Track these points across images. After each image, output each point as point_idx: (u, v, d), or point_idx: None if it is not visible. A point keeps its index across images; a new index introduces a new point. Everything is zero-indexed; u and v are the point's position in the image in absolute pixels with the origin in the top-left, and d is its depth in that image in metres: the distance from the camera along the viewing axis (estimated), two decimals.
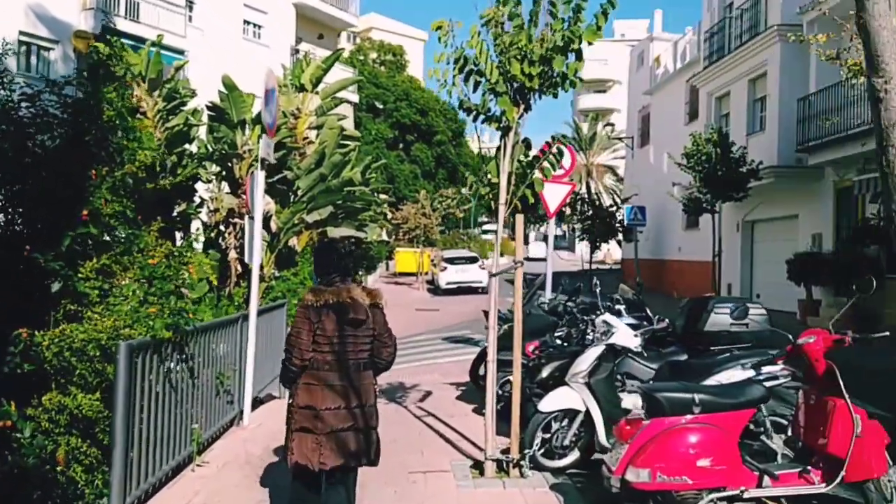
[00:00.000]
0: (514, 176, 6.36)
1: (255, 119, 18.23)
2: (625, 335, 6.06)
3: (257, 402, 9.53)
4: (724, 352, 6.63)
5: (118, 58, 8.03)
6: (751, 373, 5.82)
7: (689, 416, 4.70)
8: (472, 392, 10.06)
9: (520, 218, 6.39)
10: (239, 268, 18.64)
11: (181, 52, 26.24)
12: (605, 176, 52.07)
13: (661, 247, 28.83)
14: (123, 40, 19.05)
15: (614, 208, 29.51)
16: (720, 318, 6.73)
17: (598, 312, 7.66)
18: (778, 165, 18.09)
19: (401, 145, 47.35)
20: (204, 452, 6.49)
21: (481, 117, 6.23)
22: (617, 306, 9.80)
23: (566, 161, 13.16)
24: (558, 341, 8.24)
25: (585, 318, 7.16)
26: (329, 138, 19.44)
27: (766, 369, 5.80)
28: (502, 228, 6.55)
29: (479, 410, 8.66)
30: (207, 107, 17.47)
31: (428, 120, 46.84)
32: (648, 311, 9.86)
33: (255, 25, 29.92)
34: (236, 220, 17.97)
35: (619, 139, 34.36)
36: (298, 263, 19.95)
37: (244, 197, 18.40)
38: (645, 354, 6.55)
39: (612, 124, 32.66)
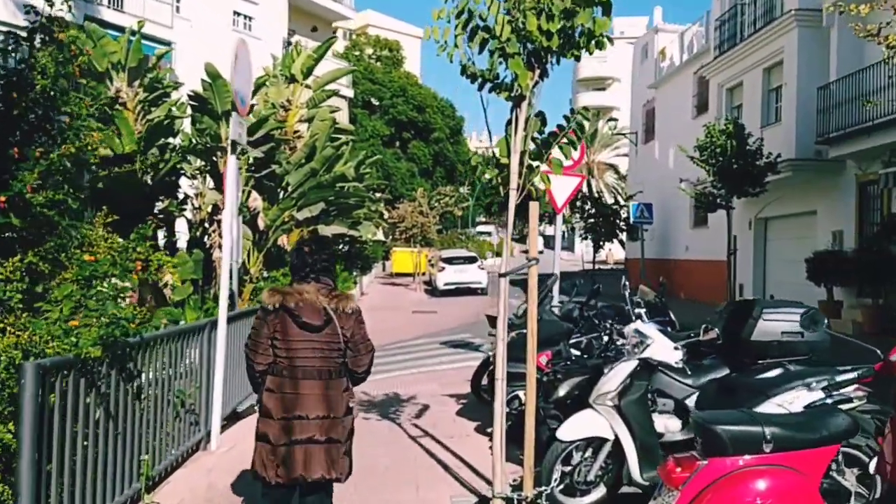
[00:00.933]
0: (528, 156, 5.32)
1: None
2: (663, 348, 5.01)
3: (236, 417, 8.52)
4: (775, 366, 5.59)
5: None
6: (819, 395, 4.78)
7: (757, 456, 3.66)
8: (474, 406, 9.02)
9: (534, 206, 5.37)
10: None
11: (168, 44, 25.20)
12: (606, 174, 50.93)
13: (667, 246, 27.79)
14: (108, 31, 18.08)
15: (618, 206, 28.45)
16: (770, 326, 5.67)
17: (624, 319, 6.62)
18: (796, 158, 17.06)
19: (397, 143, 46.32)
20: (156, 489, 5.44)
21: (488, 85, 5.19)
22: (637, 310, 8.79)
23: (575, 152, 12.13)
24: (575, 352, 7.21)
25: (609, 325, 6.11)
26: (320, 131, 18.39)
27: (838, 390, 4.76)
28: (512, 219, 5.49)
29: (483, 429, 7.62)
30: (189, 96, 16.40)
31: (425, 117, 45.80)
32: (672, 315, 8.85)
33: (245, 17, 28.87)
34: (221, 216, 16.91)
35: (623, 135, 33.33)
36: (288, 263, 18.92)
37: None
38: (683, 369, 5.48)
39: (616, 119, 31.70)
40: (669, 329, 7.84)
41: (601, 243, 29.05)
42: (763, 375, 5.40)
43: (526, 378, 5.44)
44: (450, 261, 29.85)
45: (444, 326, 19.61)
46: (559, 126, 5.53)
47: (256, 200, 17.44)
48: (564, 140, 5.50)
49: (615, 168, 51.11)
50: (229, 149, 6.69)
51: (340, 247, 24.53)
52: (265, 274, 18.70)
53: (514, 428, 6.00)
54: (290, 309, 3.93)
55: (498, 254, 51.29)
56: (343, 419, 4.03)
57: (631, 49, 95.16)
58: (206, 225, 17.13)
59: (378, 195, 26.84)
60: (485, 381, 9.08)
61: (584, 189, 53.80)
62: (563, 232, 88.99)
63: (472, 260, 30.09)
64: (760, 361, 5.67)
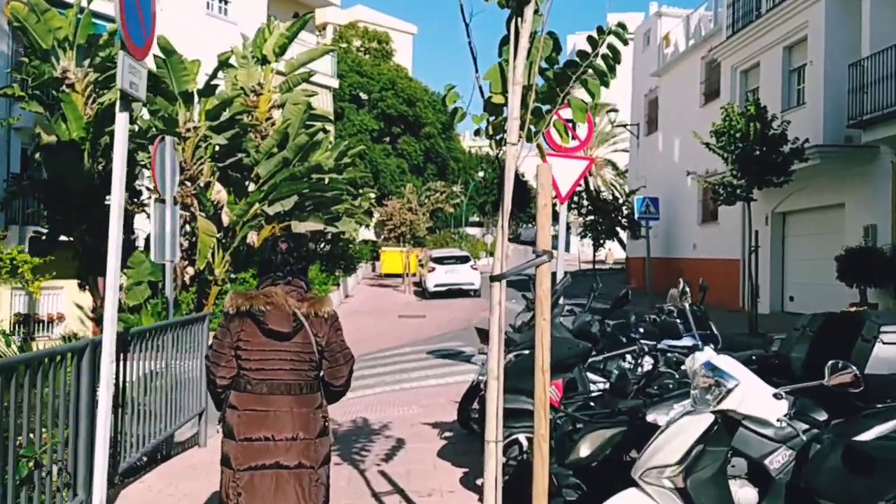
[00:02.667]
0: (534, 95, 3.46)
1: (202, 90, 15.29)
2: (755, 396, 3.14)
3: (167, 455, 6.71)
4: None
5: None
6: None
7: None
8: (461, 442, 7.20)
9: (545, 170, 3.49)
10: (190, 270, 15.72)
11: None
12: (604, 170, 49.15)
13: (673, 244, 25.96)
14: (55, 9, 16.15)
15: (620, 201, 26.61)
16: (894, 352, 3.84)
17: (667, 335, 4.81)
18: (823, 144, 15.25)
19: (387, 138, 44.43)
20: None
21: None
22: (666, 319, 6.99)
23: (582, 130, 10.31)
24: (596, 379, 5.38)
25: (650, 349, 4.26)
26: (293, 116, 16.53)
27: None
28: (509, 198, 3.59)
29: (471, 482, 5.76)
30: None
31: (416, 111, 43.91)
32: (714, 328, 7.05)
33: (221, 0, 26.95)
34: (180, 212, 15.00)
35: (624, 126, 31.50)
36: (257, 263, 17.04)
37: (188, 185, 15.50)
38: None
39: (616, 110, 29.95)
40: (712, 346, 6.04)
41: (601, 242, 27.22)
42: None
43: (529, 417, 3.67)
44: (440, 260, 28.02)
45: (433, 333, 17.75)
46: (581, 53, 3.66)
47: (220, 193, 15.60)
48: (590, 72, 3.60)
49: (613, 164, 49.35)
50: (118, 103, 4.79)
51: (322, 245, 22.61)
52: (232, 275, 16.84)
53: (514, 485, 4.21)
54: (256, 314, 3.41)
55: (492, 253, 49.46)
56: (316, 441, 3.47)
57: (626, 46, 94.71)
58: None
59: (363, 190, 24.92)
60: (475, 405, 7.23)
61: (581, 184, 52.07)
62: (556, 230, 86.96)
63: (464, 259, 28.26)
64: (879, 405, 3.84)
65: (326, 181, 17.54)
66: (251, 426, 3.40)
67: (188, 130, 14.96)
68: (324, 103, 27.31)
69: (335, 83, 30.11)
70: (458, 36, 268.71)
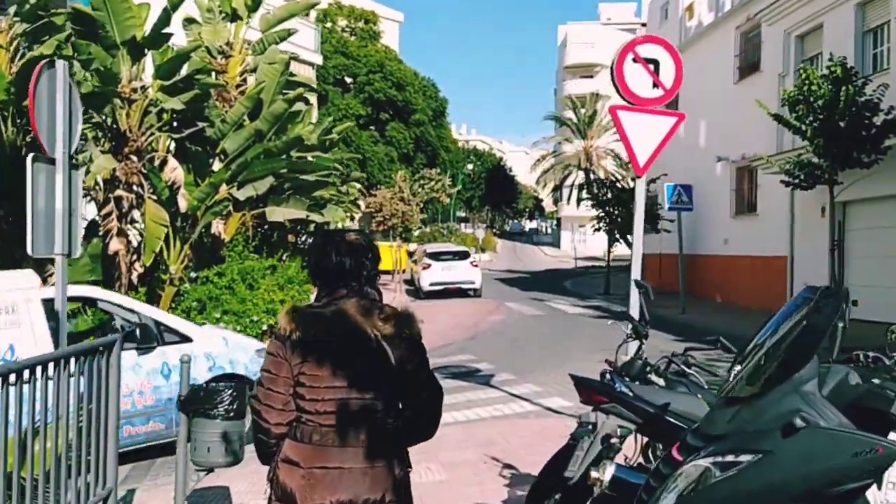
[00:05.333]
0: None
1: (151, 38, 12.19)
2: None
3: None
4: None
5: None
6: None
7: None
8: None
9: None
10: (138, 266, 12.68)
11: None
12: (605, 161, 46.53)
13: (698, 239, 23.13)
14: None
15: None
16: None
17: None
18: None
19: (374, 125, 41.36)
20: None
21: None
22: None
23: (667, 71, 7.41)
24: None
25: None
26: (268, 78, 13.49)
27: None
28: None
29: None
30: (71, 15, 11.40)
31: (405, 95, 40.86)
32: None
33: None
34: (122, 192, 11.97)
35: None
36: (226, 259, 13.99)
37: (133, 160, 12.43)
38: None
39: None
40: None
41: (617, 236, 24.40)
42: None
43: None
44: (436, 256, 25.08)
45: (435, 343, 14.69)
46: None
47: (176, 171, 12.52)
48: None
49: (616, 154, 46.64)
50: None
51: (303, 238, 19.58)
52: (193, 274, 13.81)
53: None
54: (325, 340, 2.59)
55: (483, 249, 46.63)
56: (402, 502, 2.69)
57: (619, 36, 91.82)
58: (102, 204, 12.20)
59: (353, 173, 21.85)
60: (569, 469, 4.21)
61: (581, 175, 49.24)
62: (545, 227, 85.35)
63: (462, 255, 25.33)
64: None
65: (310, 159, 14.51)
66: (321, 489, 2.58)
67: (134, 91, 11.90)
68: (302, 68, 24.24)
69: (318, 59, 27.01)
70: (445, 24, 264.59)
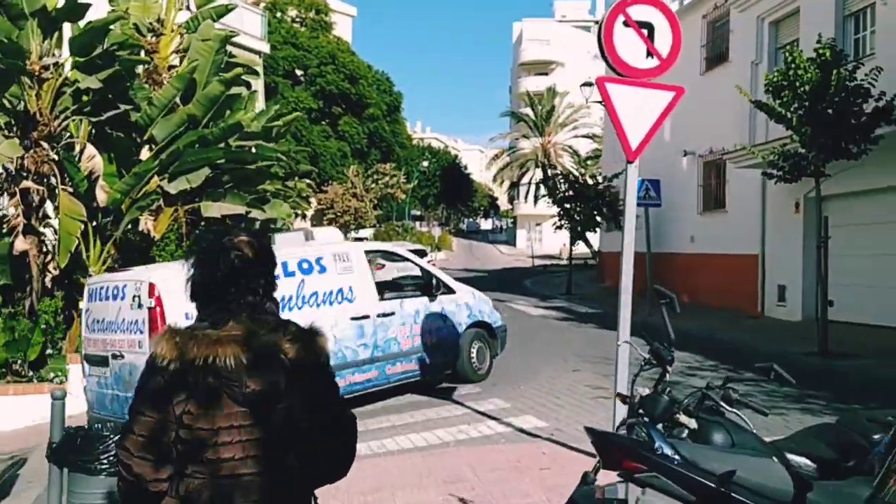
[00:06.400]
0: None
1: (67, 9, 10.70)
2: None
3: None
4: None
5: None
6: None
7: None
8: None
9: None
10: (52, 268, 11.19)
11: None
12: (562, 157, 45.72)
13: (663, 237, 22.25)
14: None
15: (602, 186, 22.90)
16: None
17: None
18: None
19: (325, 120, 39.83)
20: None
21: None
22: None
23: (663, 37, 6.31)
24: None
25: None
26: (202, 56, 12.11)
27: None
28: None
29: None
30: None
31: (358, 89, 39.42)
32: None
33: None
34: (30, 184, 10.46)
35: (600, 103, 27.70)
36: (156, 260, 12.53)
37: (44, 146, 10.90)
38: None
39: (591, 84, 26.10)
40: None
41: (580, 232, 23.46)
42: None
43: None
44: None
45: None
46: None
47: (95, 159, 11.07)
48: None
49: (574, 151, 45.96)
50: None
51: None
52: None
53: None
54: (218, 370, 2.08)
55: (438, 248, 45.40)
56: None
57: (574, 33, 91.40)
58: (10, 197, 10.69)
59: (300, 166, 20.43)
60: None
61: (538, 173, 48.38)
62: (502, 226, 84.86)
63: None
64: None
65: (251, 149, 13.13)
66: None
67: (45, 68, 10.45)
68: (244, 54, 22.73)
69: (265, 47, 25.48)
70: (398, 21, 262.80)
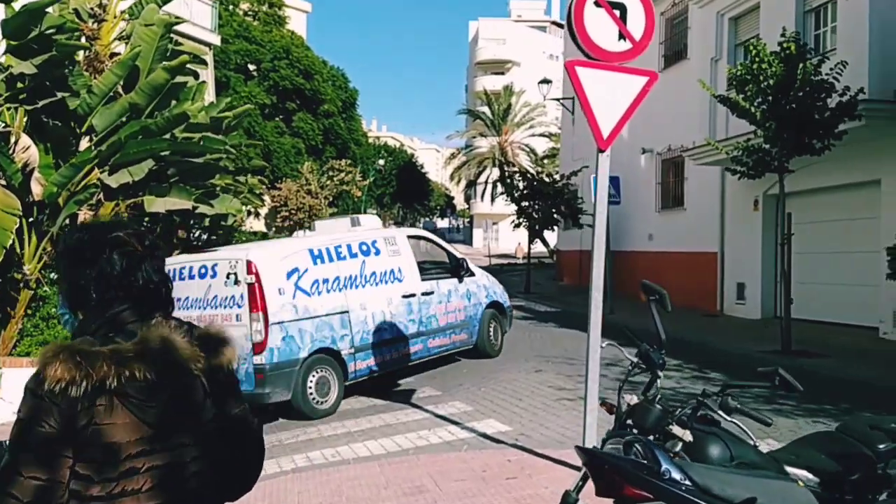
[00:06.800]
0: None
1: None
2: None
3: None
4: None
5: None
6: None
7: None
8: None
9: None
10: None
11: None
12: (519, 157, 45.53)
13: (622, 235, 22.13)
14: None
15: (560, 183, 22.67)
16: None
17: None
18: (871, 99, 11.54)
19: (280, 116, 38.97)
20: None
21: None
22: None
23: (635, 19, 5.97)
24: None
25: None
26: (145, 41, 11.47)
27: None
28: None
29: None
30: None
31: (313, 85, 38.65)
32: None
33: None
34: None
35: (557, 100, 27.55)
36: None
37: None
38: None
39: (549, 81, 25.78)
40: None
41: (538, 231, 23.21)
42: None
43: None
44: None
45: None
46: None
47: (30, 150, 10.39)
48: None
49: (531, 150, 45.80)
50: None
51: (196, 233, 17.45)
52: (54, 274, 11.63)
53: None
54: (125, 390, 1.81)
55: None
56: None
57: (530, 33, 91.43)
58: None
59: (252, 162, 19.75)
60: None
61: (496, 172, 48.08)
62: (458, 225, 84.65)
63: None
64: None
65: (198, 140, 12.50)
66: None
67: None
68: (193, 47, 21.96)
69: (215, 39, 24.71)
70: (354, 18, 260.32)
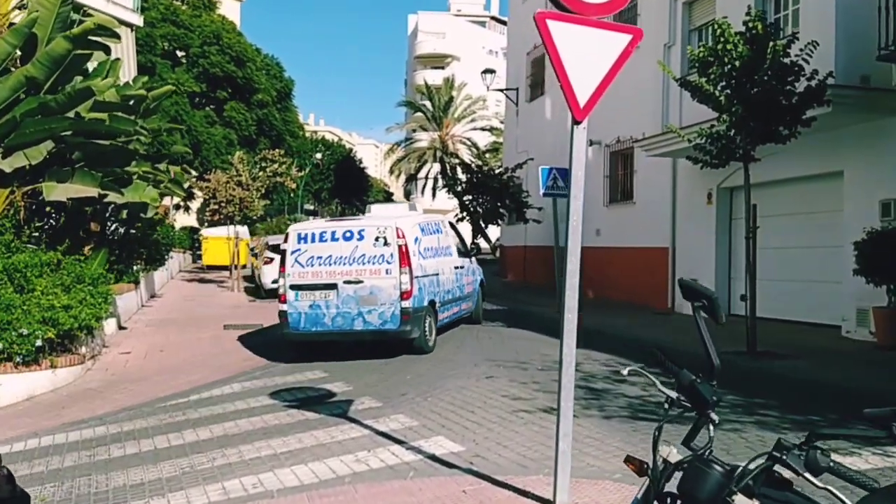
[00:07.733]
0: None
1: None
2: None
3: None
4: None
5: None
6: None
7: None
8: None
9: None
10: None
11: None
12: (461, 150, 44.62)
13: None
14: None
15: (507, 175, 21.79)
16: None
17: None
18: (837, 85, 10.91)
19: (210, 106, 37.20)
20: None
21: None
22: None
23: None
24: None
25: None
26: (44, 8, 10.07)
27: None
28: None
29: None
30: None
31: (246, 73, 36.98)
32: None
33: None
34: None
35: (501, 91, 26.67)
36: None
37: None
38: None
39: (493, 71, 24.92)
40: None
41: (483, 225, 22.32)
42: None
43: None
44: (279, 249, 21.95)
45: (277, 355, 11.79)
46: None
47: None
48: None
49: (473, 143, 44.95)
50: None
51: (112, 226, 15.99)
52: None
53: None
54: None
55: None
56: None
57: (470, 28, 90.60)
58: None
59: (174, 149, 18.26)
60: None
61: (436, 166, 47.12)
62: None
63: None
64: None
65: (106, 121, 11.13)
66: None
67: None
68: (124, 48, 20.36)
69: (137, 20, 22.99)
70: (290, 9, 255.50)
